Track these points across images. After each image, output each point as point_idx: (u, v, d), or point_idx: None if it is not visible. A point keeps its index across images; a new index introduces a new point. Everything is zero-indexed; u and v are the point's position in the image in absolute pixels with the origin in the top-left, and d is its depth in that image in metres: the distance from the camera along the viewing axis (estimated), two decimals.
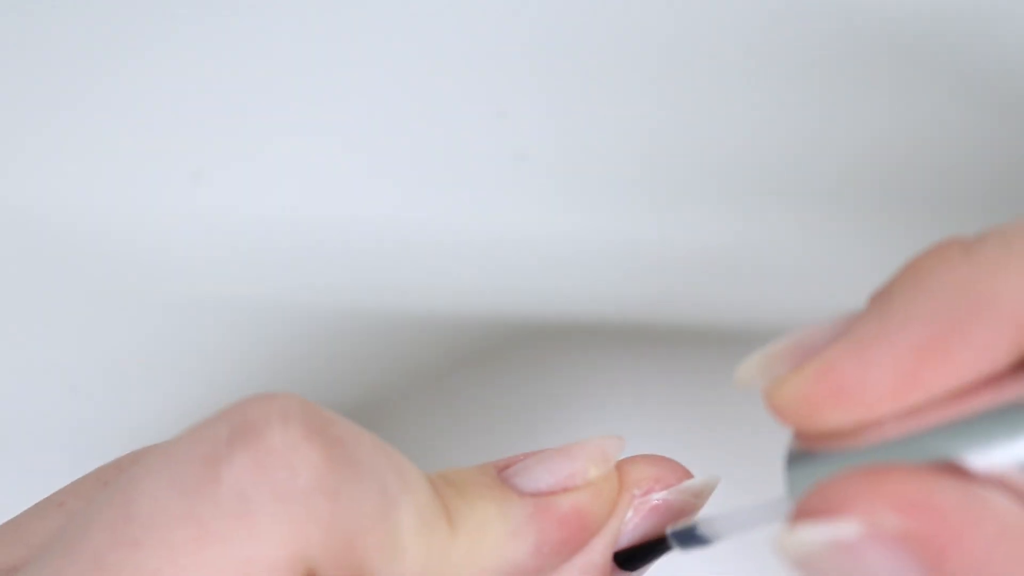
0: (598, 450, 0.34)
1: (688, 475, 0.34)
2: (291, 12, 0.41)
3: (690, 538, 0.33)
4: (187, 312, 0.43)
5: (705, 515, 0.33)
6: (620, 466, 0.34)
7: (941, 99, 0.42)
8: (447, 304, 0.43)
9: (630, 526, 0.34)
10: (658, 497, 0.34)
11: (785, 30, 0.41)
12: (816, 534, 0.27)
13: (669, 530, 0.33)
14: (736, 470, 0.36)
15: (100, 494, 0.30)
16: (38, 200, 0.42)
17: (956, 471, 0.26)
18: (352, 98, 0.42)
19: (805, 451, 0.29)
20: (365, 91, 0.42)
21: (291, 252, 0.43)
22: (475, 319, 0.43)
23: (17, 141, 0.42)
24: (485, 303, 0.43)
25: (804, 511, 0.27)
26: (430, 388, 0.44)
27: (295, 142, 0.43)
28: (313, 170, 0.43)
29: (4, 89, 0.42)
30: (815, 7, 0.41)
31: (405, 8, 0.40)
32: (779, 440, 0.32)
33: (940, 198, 0.42)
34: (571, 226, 0.43)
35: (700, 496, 0.34)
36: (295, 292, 0.43)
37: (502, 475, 0.33)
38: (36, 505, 0.33)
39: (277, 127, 0.43)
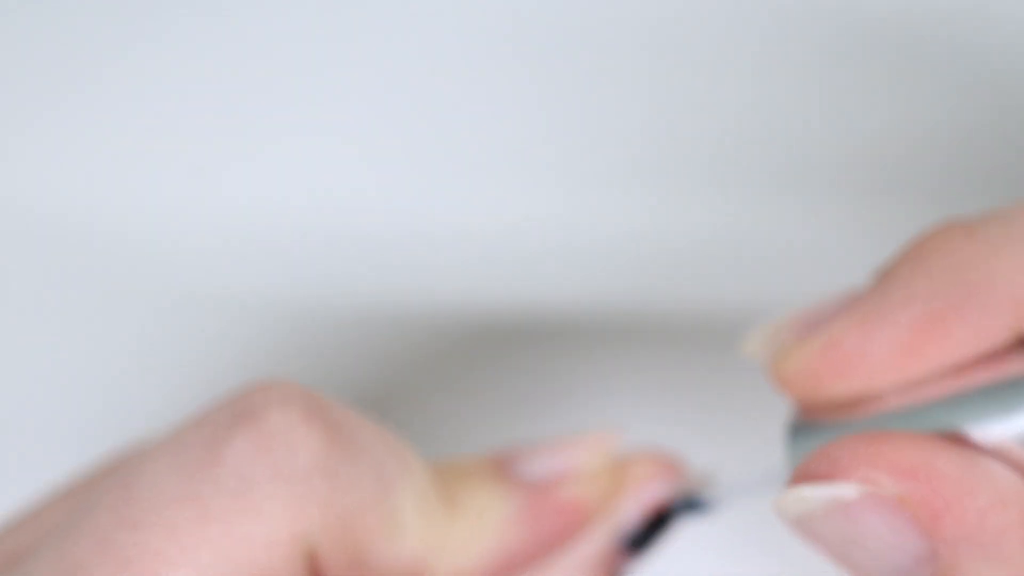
0: (597, 442, 0.34)
1: (686, 470, 0.35)
2: (291, 11, 0.41)
3: (692, 506, 0.33)
4: (188, 309, 0.44)
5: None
6: (620, 460, 0.35)
7: (943, 88, 0.42)
8: (446, 299, 0.44)
9: (627, 520, 0.34)
10: (656, 492, 0.34)
11: (783, 18, 0.41)
12: (815, 494, 0.27)
13: (671, 499, 0.33)
14: (735, 465, 0.37)
15: (105, 479, 0.31)
16: (37, 198, 0.43)
17: (956, 441, 0.27)
18: (352, 97, 0.42)
19: (806, 422, 0.30)
20: (364, 90, 0.42)
21: (292, 249, 0.43)
22: (474, 313, 0.44)
23: (17, 139, 0.43)
24: (484, 298, 0.44)
25: (804, 473, 0.28)
26: (428, 381, 0.44)
27: (294, 140, 0.43)
28: (312, 168, 0.43)
29: (5, 87, 0.42)
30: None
31: (405, 6, 0.41)
32: (777, 435, 0.32)
33: (939, 189, 0.43)
34: (570, 220, 0.43)
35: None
36: (297, 289, 0.44)
37: (502, 464, 0.33)
38: (44, 497, 0.34)
39: (276, 126, 0.43)
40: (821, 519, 0.27)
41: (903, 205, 0.43)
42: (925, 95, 0.42)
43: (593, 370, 0.44)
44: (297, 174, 0.43)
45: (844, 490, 0.27)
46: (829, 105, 0.43)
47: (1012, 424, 0.27)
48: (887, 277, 0.29)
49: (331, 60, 0.42)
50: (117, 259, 0.43)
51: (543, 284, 0.43)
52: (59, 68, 0.42)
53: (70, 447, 0.44)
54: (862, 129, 0.43)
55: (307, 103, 0.42)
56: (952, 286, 0.27)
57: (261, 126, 0.43)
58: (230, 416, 0.29)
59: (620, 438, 0.34)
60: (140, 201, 0.43)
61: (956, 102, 0.42)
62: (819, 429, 0.29)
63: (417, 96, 0.42)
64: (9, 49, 0.42)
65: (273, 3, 0.41)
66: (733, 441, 0.41)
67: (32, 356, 0.45)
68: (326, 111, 0.43)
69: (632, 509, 0.34)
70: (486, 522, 0.32)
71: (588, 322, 0.44)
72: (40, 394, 0.45)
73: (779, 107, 0.43)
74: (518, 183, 0.43)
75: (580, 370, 0.44)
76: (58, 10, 0.41)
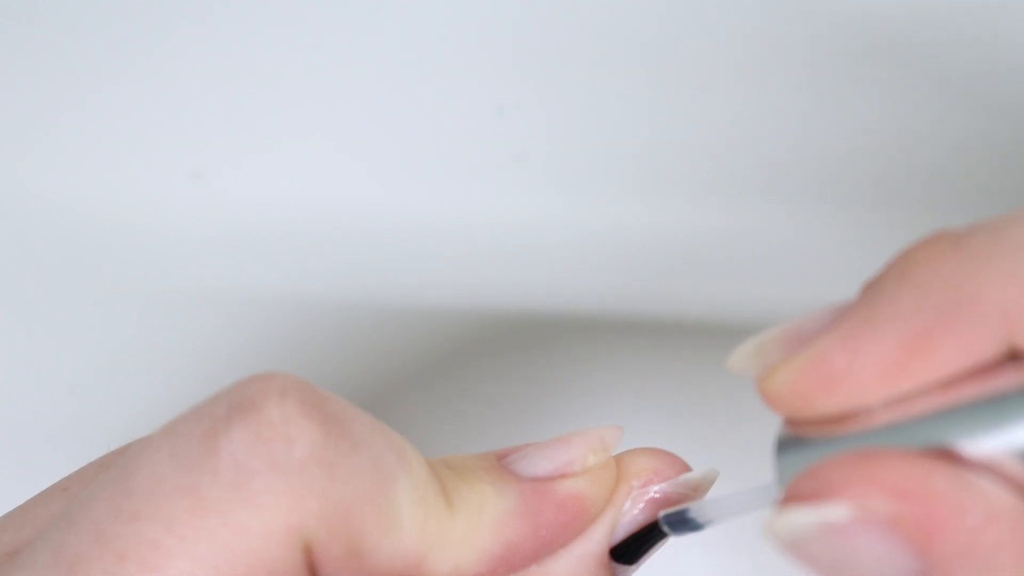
0: (596, 439, 0.34)
1: (687, 468, 0.35)
2: (293, 13, 0.41)
3: (682, 523, 0.33)
4: (189, 307, 0.44)
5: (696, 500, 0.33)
6: (619, 458, 0.34)
7: (933, 96, 0.42)
8: (446, 297, 0.44)
9: (628, 518, 0.34)
10: (656, 489, 0.34)
11: (779, 27, 0.41)
12: (806, 516, 0.27)
13: (661, 515, 0.33)
14: (733, 463, 0.37)
15: (102, 472, 0.31)
16: (38, 197, 0.43)
17: (946, 457, 0.27)
18: (352, 97, 0.43)
19: (795, 437, 0.29)
20: (364, 91, 0.42)
21: (292, 247, 0.43)
22: (473, 312, 0.44)
23: (17, 139, 0.43)
24: (483, 297, 0.44)
25: (795, 494, 0.27)
26: (428, 381, 0.44)
27: (295, 139, 0.43)
28: (312, 168, 0.43)
29: (5, 86, 0.42)
30: (808, 5, 0.42)
31: (404, 6, 0.41)
32: (774, 434, 0.32)
33: (931, 193, 0.43)
34: (569, 220, 0.43)
35: (698, 489, 0.34)
36: (297, 287, 0.44)
37: (502, 459, 0.33)
38: (42, 492, 0.34)
39: (278, 125, 0.43)
40: (813, 541, 0.27)
41: (899, 207, 0.43)
42: (918, 105, 0.42)
43: (593, 371, 0.44)
44: (297, 173, 0.43)
45: (836, 511, 0.26)
46: (825, 114, 0.43)
47: (1002, 438, 0.27)
48: (874, 291, 0.28)
49: (332, 61, 0.42)
50: (118, 258, 0.43)
51: (543, 284, 0.44)
52: (58, 68, 0.42)
53: (70, 446, 0.44)
54: (858, 137, 0.43)
55: (307, 103, 0.43)
56: (939, 300, 0.27)
57: (260, 126, 0.43)
58: (227, 407, 0.29)
59: (619, 435, 0.34)
60: (140, 199, 0.43)
61: (949, 112, 0.42)
62: (809, 444, 0.29)
63: (417, 97, 0.42)
64: (9, 49, 0.42)
65: (274, 4, 0.42)
66: (732, 439, 0.41)
67: (32, 354, 0.45)
68: (327, 111, 0.43)
69: (631, 511, 0.34)
70: (486, 517, 0.32)
71: (588, 322, 0.44)
72: (40, 393, 0.45)
73: (776, 117, 0.43)
74: (518, 183, 0.43)
75: (580, 371, 0.44)
76: (58, 11, 0.41)
